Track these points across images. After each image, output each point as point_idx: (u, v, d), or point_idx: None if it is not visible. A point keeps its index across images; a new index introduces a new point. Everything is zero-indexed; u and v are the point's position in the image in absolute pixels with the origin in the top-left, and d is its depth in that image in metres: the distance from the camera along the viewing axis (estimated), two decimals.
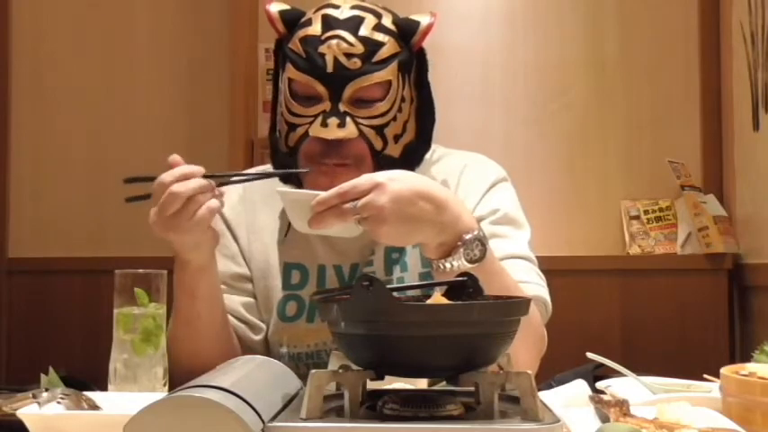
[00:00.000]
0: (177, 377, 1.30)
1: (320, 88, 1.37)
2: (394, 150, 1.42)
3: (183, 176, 1.27)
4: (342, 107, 1.36)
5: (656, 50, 2.91)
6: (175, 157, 1.31)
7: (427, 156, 1.54)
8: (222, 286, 1.46)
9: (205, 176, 1.29)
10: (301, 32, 1.39)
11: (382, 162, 1.38)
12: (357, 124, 1.37)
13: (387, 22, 1.42)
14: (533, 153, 2.91)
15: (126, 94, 3.01)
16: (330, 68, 1.36)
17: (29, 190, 3.01)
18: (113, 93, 3.01)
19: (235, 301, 1.49)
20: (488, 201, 1.52)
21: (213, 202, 1.28)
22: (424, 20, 1.46)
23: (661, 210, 2.85)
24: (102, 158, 2.99)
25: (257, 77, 2.95)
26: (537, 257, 1.60)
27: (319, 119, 1.36)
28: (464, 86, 2.93)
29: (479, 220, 1.42)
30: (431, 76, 1.52)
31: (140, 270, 1.29)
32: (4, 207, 2.99)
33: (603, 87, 2.92)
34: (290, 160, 1.40)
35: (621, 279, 2.80)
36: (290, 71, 1.40)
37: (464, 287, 1.09)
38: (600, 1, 2.94)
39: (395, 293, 0.98)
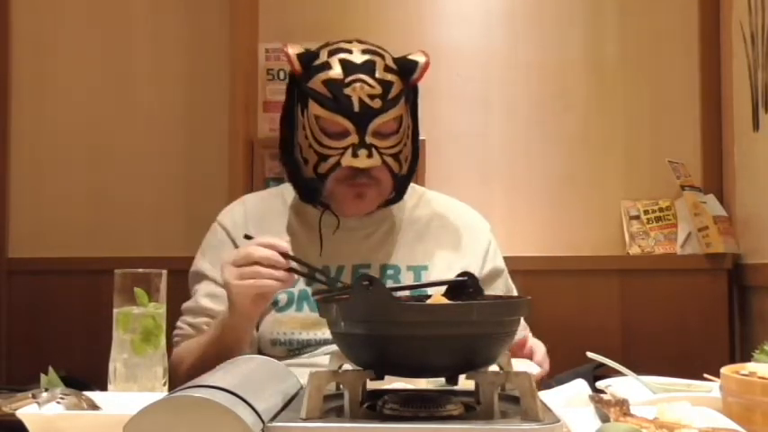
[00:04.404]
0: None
1: (348, 124, 1.59)
2: (404, 170, 1.66)
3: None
4: (368, 139, 1.59)
5: (656, 50, 2.91)
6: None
7: (420, 191, 1.82)
8: (207, 300, 1.68)
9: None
10: (322, 75, 1.61)
11: (399, 181, 1.66)
12: (381, 154, 1.60)
13: (390, 62, 1.65)
14: (534, 153, 2.91)
15: (126, 94, 3.01)
16: (356, 108, 1.58)
17: (29, 190, 3.01)
18: (113, 93, 3.01)
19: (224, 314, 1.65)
20: (493, 256, 1.77)
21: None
22: (420, 59, 1.66)
23: (661, 210, 2.85)
24: (102, 159, 2.99)
25: (257, 77, 2.95)
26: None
27: (350, 150, 1.58)
28: (464, 87, 2.92)
29: (495, 273, 1.75)
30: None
31: (140, 270, 1.30)
32: (4, 207, 2.99)
33: (604, 88, 2.92)
34: (319, 184, 1.63)
35: (621, 279, 2.80)
36: (317, 109, 1.61)
37: (464, 287, 1.09)
38: (600, 1, 2.94)
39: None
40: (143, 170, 2.98)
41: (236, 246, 1.70)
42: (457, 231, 1.75)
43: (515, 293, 1.80)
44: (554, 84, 2.92)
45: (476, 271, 1.68)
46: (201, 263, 1.73)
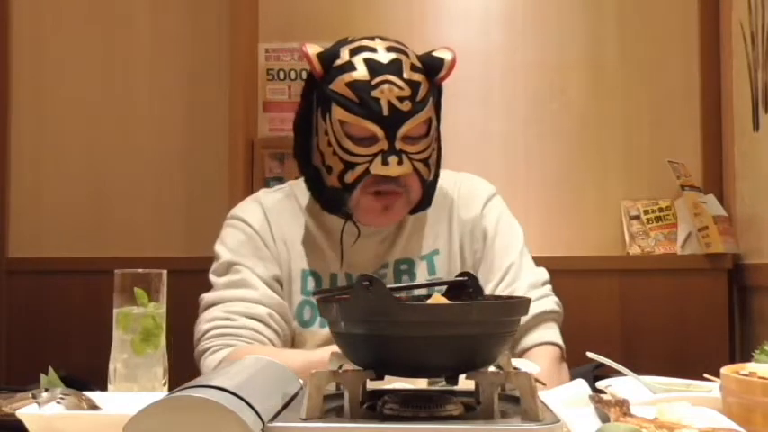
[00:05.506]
0: None
1: (376, 129, 1.48)
2: (432, 175, 1.57)
3: None
4: (397, 145, 1.49)
5: (655, 50, 2.91)
6: None
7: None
8: (266, 288, 1.58)
9: None
10: (346, 77, 1.50)
11: (427, 186, 1.55)
12: (411, 160, 1.50)
13: (415, 60, 1.53)
14: (533, 153, 2.91)
15: (126, 94, 3.01)
16: (386, 112, 1.48)
17: (29, 190, 3.01)
18: (113, 93, 3.01)
19: (284, 306, 1.60)
20: (487, 215, 1.69)
21: None
22: (447, 56, 1.55)
23: (661, 210, 2.85)
24: (102, 158, 2.99)
25: (257, 77, 2.95)
26: (537, 258, 1.64)
27: (379, 158, 1.49)
28: (464, 86, 2.92)
29: (481, 236, 1.65)
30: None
31: (140, 270, 1.30)
32: (4, 207, 2.99)
33: (603, 87, 2.92)
34: (344, 194, 1.53)
35: (621, 279, 2.80)
36: (341, 113, 1.50)
37: (464, 287, 1.09)
38: (600, 1, 2.94)
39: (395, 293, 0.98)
40: (143, 170, 2.98)
41: (266, 246, 1.61)
42: (458, 206, 1.68)
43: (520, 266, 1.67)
44: (553, 83, 2.92)
45: (473, 242, 1.65)
46: (228, 254, 1.61)
